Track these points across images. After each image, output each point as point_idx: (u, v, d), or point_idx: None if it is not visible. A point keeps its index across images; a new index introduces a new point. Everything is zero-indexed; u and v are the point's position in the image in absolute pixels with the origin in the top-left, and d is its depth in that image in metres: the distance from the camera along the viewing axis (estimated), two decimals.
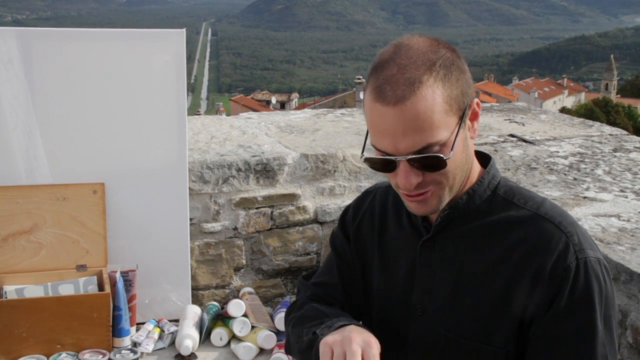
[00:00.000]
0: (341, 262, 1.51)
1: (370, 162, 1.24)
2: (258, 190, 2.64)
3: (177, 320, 2.46)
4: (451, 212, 1.29)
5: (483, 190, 1.29)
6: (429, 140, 1.16)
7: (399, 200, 1.40)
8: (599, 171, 2.63)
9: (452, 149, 1.18)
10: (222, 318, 2.48)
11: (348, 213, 1.53)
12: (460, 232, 1.29)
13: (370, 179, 2.79)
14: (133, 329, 2.35)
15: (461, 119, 1.20)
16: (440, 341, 1.29)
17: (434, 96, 1.15)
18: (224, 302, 2.62)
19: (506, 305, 1.22)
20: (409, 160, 1.18)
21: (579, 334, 1.18)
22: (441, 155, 1.17)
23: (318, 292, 1.51)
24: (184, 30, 2.45)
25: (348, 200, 2.76)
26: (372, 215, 1.47)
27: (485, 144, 3.03)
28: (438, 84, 1.16)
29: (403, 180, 1.20)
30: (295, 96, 54.79)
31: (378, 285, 1.42)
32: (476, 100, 1.23)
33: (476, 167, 1.31)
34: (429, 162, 1.18)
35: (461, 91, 1.20)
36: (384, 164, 1.22)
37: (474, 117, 1.25)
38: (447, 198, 1.24)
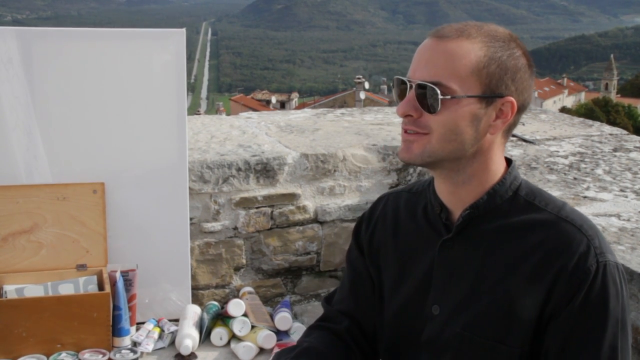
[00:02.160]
0: (354, 275, 1.53)
1: (395, 82, 1.31)
2: (258, 190, 2.64)
3: (177, 320, 2.46)
4: (472, 212, 1.29)
5: (505, 191, 1.30)
6: (441, 79, 1.21)
7: (411, 203, 1.44)
8: (599, 171, 2.63)
9: (454, 104, 1.21)
10: (222, 318, 2.48)
11: (362, 225, 1.54)
12: (481, 232, 1.29)
13: (370, 179, 2.79)
14: (133, 328, 2.35)
15: (484, 96, 1.22)
16: (456, 339, 1.29)
17: (470, 51, 1.21)
18: (224, 301, 2.62)
19: (524, 305, 1.22)
20: (415, 87, 1.23)
21: (588, 335, 1.19)
22: (438, 91, 1.20)
23: (328, 313, 1.55)
24: (184, 30, 2.44)
25: (348, 200, 2.76)
26: (385, 220, 1.48)
27: None
28: (483, 48, 1.22)
29: (402, 104, 1.26)
30: (295, 96, 54.76)
31: (394, 285, 1.42)
32: (511, 100, 1.23)
33: (499, 169, 1.31)
34: (428, 94, 1.22)
35: (500, 76, 1.22)
36: (399, 85, 1.29)
37: (502, 115, 1.25)
38: (430, 156, 1.25)
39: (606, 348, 1.18)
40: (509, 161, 1.35)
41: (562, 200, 1.32)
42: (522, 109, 1.27)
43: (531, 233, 1.25)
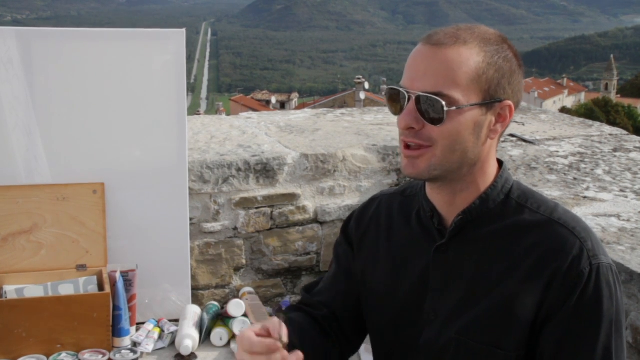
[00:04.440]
0: (338, 269, 1.53)
1: (388, 92, 1.27)
2: (258, 190, 2.64)
3: (177, 320, 2.46)
4: (465, 217, 1.29)
5: (497, 194, 1.29)
6: (443, 89, 1.18)
7: (405, 206, 1.42)
8: (599, 171, 2.63)
9: (457, 115, 1.19)
10: (222, 318, 2.48)
11: (351, 221, 1.53)
12: (474, 237, 1.29)
13: (370, 179, 2.79)
14: (133, 328, 2.35)
15: (485, 103, 1.21)
16: (452, 344, 1.29)
17: (469, 58, 1.19)
18: (224, 302, 2.62)
19: (519, 309, 1.22)
20: (416, 99, 1.20)
21: (581, 337, 1.19)
22: (442, 102, 1.18)
23: (307, 301, 1.55)
24: (184, 30, 2.44)
25: (348, 200, 2.76)
26: (378, 223, 1.47)
27: None
28: (480, 54, 1.20)
29: (403, 116, 1.22)
30: (295, 96, 54.75)
31: (387, 289, 1.42)
32: (509, 103, 1.23)
33: (492, 172, 1.31)
34: (430, 105, 1.19)
35: (498, 81, 1.21)
36: (396, 97, 1.25)
37: (501, 119, 1.25)
38: (436, 169, 1.24)
39: (600, 350, 1.18)
40: (500, 163, 1.35)
41: (554, 201, 1.31)
42: (516, 109, 1.28)
43: (524, 236, 1.25)
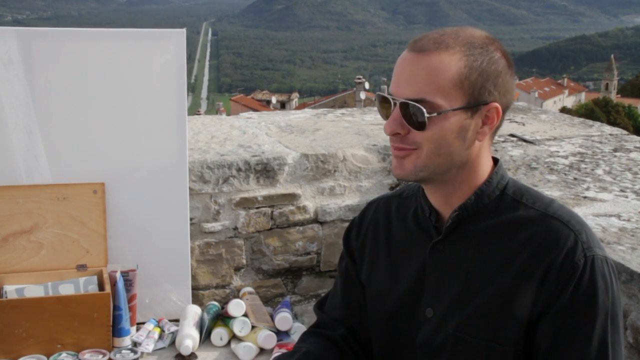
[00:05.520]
0: (346, 282, 1.54)
1: (378, 98, 1.30)
2: (258, 190, 2.64)
3: (177, 320, 2.46)
4: (460, 213, 1.30)
5: (492, 190, 1.30)
6: (426, 96, 1.20)
7: (403, 208, 1.44)
8: (599, 171, 2.63)
9: (441, 120, 1.21)
10: (223, 318, 2.48)
11: (352, 230, 1.54)
12: (470, 233, 1.30)
13: (370, 179, 2.79)
14: (133, 328, 2.35)
15: (469, 107, 1.21)
16: (449, 340, 1.29)
17: (451, 63, 1.20)
18: (224, 302, 2.62)
19: (515, 303, 1.23)
20: (400, 105, 1.23)
21: (577, 330, 1.19)
22: (423, 109, 1.20)
23: (323, 320, 1.56)
24: (184, 30, 2.44)
25: (348, 200, 2.76)
26: (376, 226, 1.48)
27: None
28: (463, 59, 1.21)
29: (389, 123, 1.25)
30: (295, 96, 54.72)
31: (385, 289, 1.42)
32: (496, 105, 1.23)
33: (486, 170, 1.32)
34: (412, 112, 1.21)
35: (482, 84, 1.22)
36: (384, 103, 1.28)
37: (488, 121, 1.25)
38: (422, 171, 1.26)
39: (595, 342, 1.18)
40: (495, 160, 1.35)
41: (550, 197, 1.32)
42: (506, 110, 1.28)
43: (519, 231, 1.26)
